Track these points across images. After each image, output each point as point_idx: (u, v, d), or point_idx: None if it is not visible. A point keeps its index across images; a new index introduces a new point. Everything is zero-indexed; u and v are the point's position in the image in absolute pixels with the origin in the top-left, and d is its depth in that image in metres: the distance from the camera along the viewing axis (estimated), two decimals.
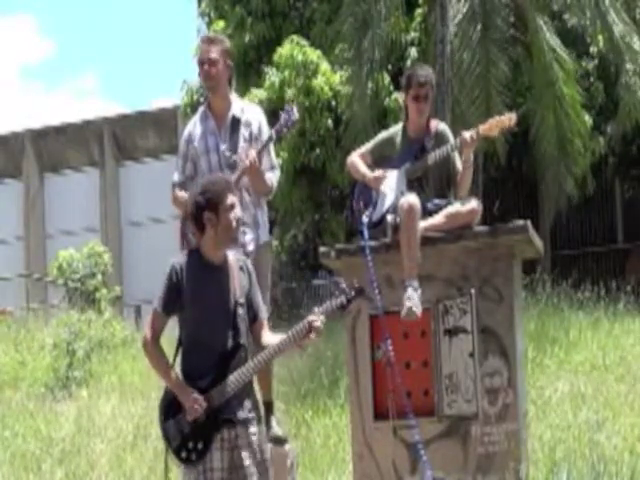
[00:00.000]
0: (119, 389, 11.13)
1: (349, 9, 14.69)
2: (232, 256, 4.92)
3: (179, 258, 4.88)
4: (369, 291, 4.96)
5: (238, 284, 4.83)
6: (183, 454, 4.74)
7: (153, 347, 4.83)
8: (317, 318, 4.70)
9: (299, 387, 10.20)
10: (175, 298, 4.79)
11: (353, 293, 4.82)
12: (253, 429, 4.79)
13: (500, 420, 5.48)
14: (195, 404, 4.68)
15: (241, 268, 4.89)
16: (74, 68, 57.90)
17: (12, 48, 57.10)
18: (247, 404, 4.80)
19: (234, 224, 4.81)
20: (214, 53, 6.01)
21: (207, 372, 4.73)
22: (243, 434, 4.76)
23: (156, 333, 4.84)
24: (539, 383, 9.26)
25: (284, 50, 16.28)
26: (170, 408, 4.80)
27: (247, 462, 4.74)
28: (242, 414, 4.77)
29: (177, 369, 4.86)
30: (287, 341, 4.73)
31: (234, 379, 4.71)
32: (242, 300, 4.81)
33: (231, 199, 4.80)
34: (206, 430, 4.71)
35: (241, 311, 4.80)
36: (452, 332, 5.59)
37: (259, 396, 5.18)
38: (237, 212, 4.81)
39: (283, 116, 5.90)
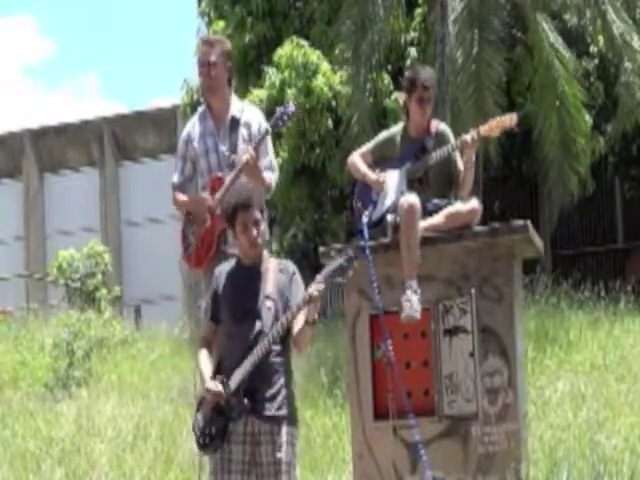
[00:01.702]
0: (119, 389, 11.13)
1: (348, 10, 14.69)
2: (272, 259, 5.03)
3: (223, 264, 5.09)
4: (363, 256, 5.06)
5: (272, 281, 4.89)
6: (201, 440, 4.83)
7: (198, 351, 5.02)
8: (314, 287, 4.73)
9: (299, 387, 10.20)
10: (216, 303, 4.98)
11: (351, 253, 4.85)
12: (277, 428, 4.79)
13: (500, 420, 5.47)
14: (209, 392, 4.78)
15: (280, 270, 4.97)
16: (75, 68, 57.92)
17: (13, 48, 57.12)
18: (277, 401, 4.82)
19: (247, 245, 4.91)
20: (213, 55, 6.01)
21: (236, 363, 4.80)
22: (267, 432, 4.77)
23: (203, 338, 5.05)
24: (539, 383, 9.26)
25: (284, 51, 16.28)
26: (202, 403, 4.91)
27: (266, 460, 4.76)
28: (269, 411, 4.79)
29: None
30: (289, 314, 4.79)
31: (247, 360, 4.76)
32: (273, 295, 4.87)
33: (244, 217, 4.87)
34: (222, 416, 4.76)
35: (269, 303, 4.86)
36: (452, 332, 5.59)
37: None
38: (252, 233, 4.87)
39: (279, 110, 5.91)
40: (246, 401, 4.75)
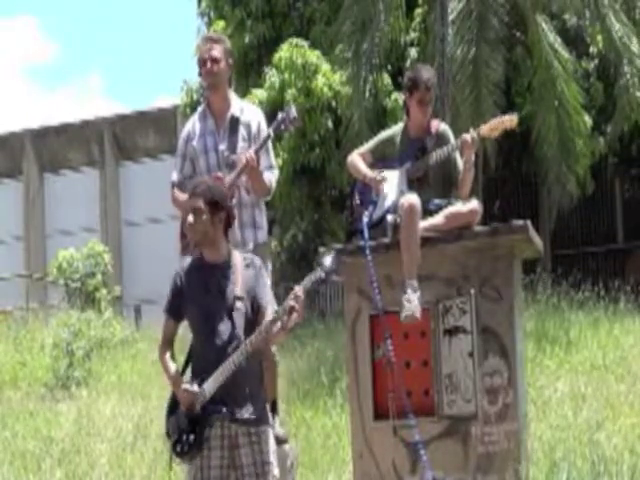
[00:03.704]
0: (119, 389, 11.13)
1: (348, 10, 14.69)
2: (238, 254, 4.99)
3: (183, 263, 5.05)
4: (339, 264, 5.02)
5: (241, 280, 4.86)
6: (178, 447, 4.78)
7: (160, 351, 5.00)
8: (294, 299, 4.69)
9: (299, 387, 10.21)
10: (179, 302, 4.93)
11: (333, 265, 4.80)
12: (254, 429, 4.79)
13: (500, 420, 5.47)
14: (185, 393, 4.75)
15: (247, 265, 4.94)
16: (77, 69, 58.00)
17: (15, 49, 57.16)
18: (251, 403, 4.80)
19: (187, 227, 4.95)
20: (216, 51, 6.00)
21: (209, 366, 4.76)
22: (244, 433, 4.77)
23: (165, 338, 5.02)
24: (539, 383, 9.26)
25: (283, 52, 16.28)
26: (172, 406, 4.88)
27: (246, 462, 4.75)
28: (244, 413, 4.77)
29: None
30: (269, 323, 4.74)
31: (224, 366, 4.73)
32: (241, 294, 4.84)
33: (191, 202, 4.93)
34: (199, 422, 4.73)
35: (239, 304, 4.83)
36: (452, 332, 5.59)
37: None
38: (189, 218, 4.90)
39: (281, 114, 5.91)
40: (222, 407, 4.74)
